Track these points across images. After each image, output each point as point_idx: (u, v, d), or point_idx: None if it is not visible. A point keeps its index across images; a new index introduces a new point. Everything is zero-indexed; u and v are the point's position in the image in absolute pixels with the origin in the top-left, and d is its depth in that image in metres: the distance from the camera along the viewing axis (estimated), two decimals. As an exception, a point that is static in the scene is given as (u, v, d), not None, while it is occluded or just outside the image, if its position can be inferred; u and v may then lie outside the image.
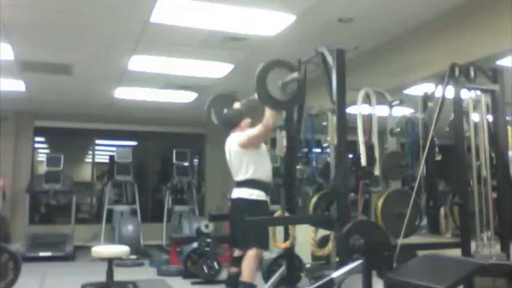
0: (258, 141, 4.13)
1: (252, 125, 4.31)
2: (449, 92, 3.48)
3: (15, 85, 6.87)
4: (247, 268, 3.94)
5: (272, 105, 3.74)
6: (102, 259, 5.09)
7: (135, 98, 7.70)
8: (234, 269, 4.26)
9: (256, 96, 3.62)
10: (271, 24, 4.55)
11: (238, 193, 4.17)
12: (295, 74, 3.58)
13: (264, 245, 4.07)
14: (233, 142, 4.23)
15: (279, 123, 4.26)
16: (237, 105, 4.51)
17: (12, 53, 5.43)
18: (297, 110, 4.21)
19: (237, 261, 4.17)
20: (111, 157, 9.69)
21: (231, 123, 4.34)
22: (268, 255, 5.03)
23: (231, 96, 4.79)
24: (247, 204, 4.05)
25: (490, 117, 3.58)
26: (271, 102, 3.66)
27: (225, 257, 5.94)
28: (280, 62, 3.70)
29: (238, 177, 4.17)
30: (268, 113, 3.88)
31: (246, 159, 4.12)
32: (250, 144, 4.10)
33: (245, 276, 3.93)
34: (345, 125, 3.42)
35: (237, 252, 4.27)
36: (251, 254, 3.96)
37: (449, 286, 2.43)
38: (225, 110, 4.52)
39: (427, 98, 3.97)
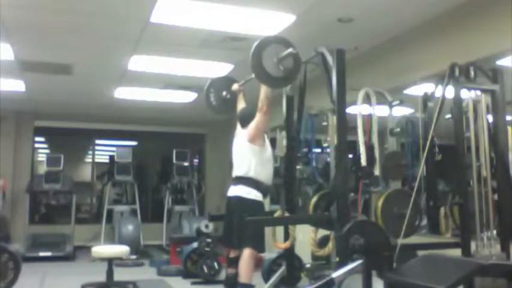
0: (263, 126, 4.13)
1: None
2: (449, 92, 3.48)
3: (15, 85, 6.87)
4: (245, 269, 3.94)
5: (268, 83, 3.74)
6: (102, 259, 5.09)
7: (135, 98, 7.70)
8: (231, 270, 4.26)
9: (252, 75, 3.62)
10: (271, 24, 4.55)
11: (235, 191, 4.16)
12: (290, 49, 3.55)
13: (259, 247, 4.04)
14: (242, 137, 4.26)
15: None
16: (235, 86, 4.60)
17: (12, 53, 5.43)
18: (297, 110, 4.22)
19: (234, 262, 4.17)
20: (111, 157, 9.69)
21: (243, 121, 4.35)
22: (268, 255, 5.03)
23: (230, 79, 4.80)
24: (244, 203, 4.04)
25: (490, 117, 3.57)
26: (267, 79, 3.64)
27: (225, 257, 5.95)
28: (276, 38, 3.69)
29: (240, 172, 4.17)
30: (263, 92, 3.96)
31: (250, 156, 4.13)
32: (258, 133, 4.13)
33: (243, 277, 3.94)
34: (345, 125, 3.42)
35: (232, 253, 4.26)
36: (247, 254, 3.96)
37: (449, 286, 2.43)
38: (224, 93, 4.65)
39: (427, 98, 3.97)
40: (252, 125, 4.15)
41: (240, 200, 4.08)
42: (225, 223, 4.34)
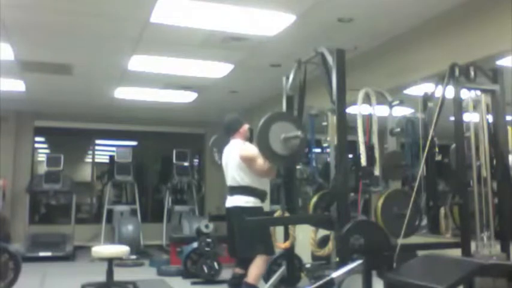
0: (255, 172, 4.10)
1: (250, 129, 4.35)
2: (449, 92, 3.48)
3: (15, 85, 6.88)
4: (255, 271, 3.95)
5: (273, 160, 3.81)
6: (102, 259, 5.10)
7: (135, 98, 7.71)
8: (238, 270, 4.26)
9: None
10: (271, 24, 4.55)
11: (233, 201, 4.16)
12: (298, 133, 3.63)
13: (270, 251, 4.08)
14: (234, 150, 4.21)
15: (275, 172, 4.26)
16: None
17: (12, 53, 5.43)
18: (297, 110, 4.21)
19: (242, 263, 4.17)
20: (111, 157, 9.69)
21: (230, 129, 4.34)
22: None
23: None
24: (244, 212, 4.01)
25: (490, 117, 3.57)
26: (272, 157, 3.72)
27: (225, 257, 5.94)
28: (283, 116, 3.79)
29: (234, 182, 4.17)
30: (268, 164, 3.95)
31: (243, 167, 4.11)
32: (249, 166, 4.09)
33: (250, 278, 3.93)
34: (345, 125, 3.41)
35: None
36: (260, 260, 3.97)
37: (449, 286, 2.42)
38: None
39: (427, 98, 3.96)
40: (253, 162, 4.03)
41: (239, 210, 4.06)
42: (229, 234, 4.32)
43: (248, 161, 4.07)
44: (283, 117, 3.79)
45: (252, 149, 4.09)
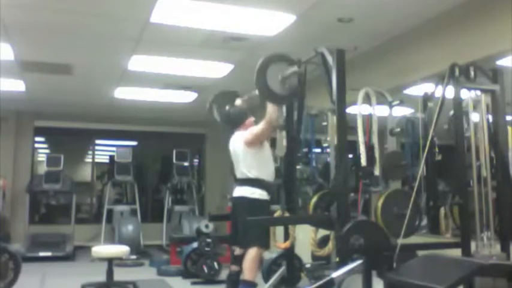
0: (263, 137, 4.14)
1: (256, 122, 4.34)
2: (449, 92, 3.48)
3: (15, 85, 6.88)
4: (249, 267, 3.95)
5: (272, 100, 3.80)
6: (102, 259, 5.09)
7: (135, 98, 7.71)
8: (234, 267, 4.28)
9: (256, 91, 3.65)
10: (271, 24, 4.55)
11: (240, 192, 4.18)
12: (294, 68, 3.59)
13: (264, 244, 4.08)
14: (238, 140, 4.25)
15: (281, 120, 4.28)
16: (238, 101, 4.52)
17: (12, 53, 5.44)
18: (297, 110, 4.21)
19: (238, 260, 4.18)
20: (111, 157, 9.69)
21: (236, 122, 4.37)
22: (268, 255, 5.03)
23: (233, 93, 4.72)
24: (248, 202, 4.06)
25: (490, 117, 3.57)
26: (271, 97, 3.71)
27: (225, 257, 5.94)
28: (280, 56, 3.73)
29: (241, 175, 4.19)
30: (270, 108, 3.95)
31: (249, 158, 4.14)
32: (256, 141, 4.13)
33: (246, 275, 3.94)
34: (345, 125, 3.41)
35: (237, 251, 4.29)
36: (252, 252, 3.97)
37: (449, 286, 2.42)
38: (227, 107, 4.55)
39: (427, 98, 3.97)
40: (253, 131, 4.14)
41: (245, 201, 4.10)
42: (232, 223, 4.38)
43: (254, 137, 4.11)
44: (281, 58, 3.75)
45: (248, 130, 4.18)
